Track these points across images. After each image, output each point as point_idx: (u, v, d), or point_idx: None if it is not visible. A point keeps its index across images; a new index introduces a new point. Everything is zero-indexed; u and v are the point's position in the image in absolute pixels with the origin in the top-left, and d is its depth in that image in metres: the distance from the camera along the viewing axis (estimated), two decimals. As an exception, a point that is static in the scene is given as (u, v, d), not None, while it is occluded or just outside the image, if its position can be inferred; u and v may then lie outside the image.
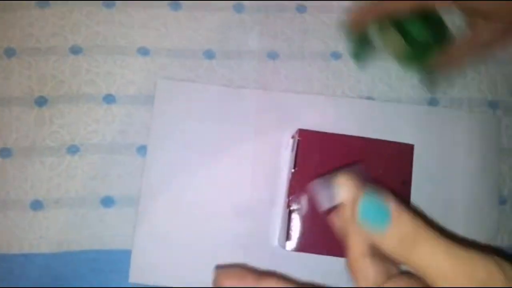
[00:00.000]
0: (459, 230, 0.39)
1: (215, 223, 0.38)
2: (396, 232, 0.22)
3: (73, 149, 0.39)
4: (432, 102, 0.41)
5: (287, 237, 0.35)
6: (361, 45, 0.40)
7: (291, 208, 0.36)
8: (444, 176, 0.40)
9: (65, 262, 0.37)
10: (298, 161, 0.36)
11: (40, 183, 0.38)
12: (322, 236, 0.35)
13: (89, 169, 0.38)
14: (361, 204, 0.23)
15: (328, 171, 0.36)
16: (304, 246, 0.35)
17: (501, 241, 0.39)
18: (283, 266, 0.38)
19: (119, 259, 0.37)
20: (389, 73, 0.42)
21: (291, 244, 0.35)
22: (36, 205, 0.37)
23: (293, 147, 0.38)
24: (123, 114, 0.39)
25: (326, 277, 0.37)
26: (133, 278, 0.37)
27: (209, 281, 0.37)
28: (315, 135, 0.37)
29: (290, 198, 0.36)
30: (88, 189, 0.38)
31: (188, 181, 0.38)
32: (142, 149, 0.39)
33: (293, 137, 0.39)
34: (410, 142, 0.37)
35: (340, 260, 0.34)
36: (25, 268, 0.37)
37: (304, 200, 0.36)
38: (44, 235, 0.37)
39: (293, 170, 0.36)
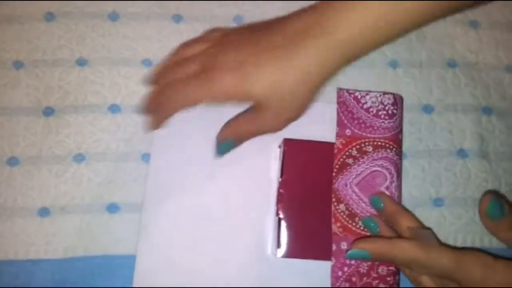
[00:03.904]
0: (449, 231, 0.40)
1: (217, 228, 0.39)
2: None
3: (79, 158, 0.40)
4: (427, 109, 0.42)
5: (278, 244, 0.36)
6: None
7: (280, 216, 0.37)
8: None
9: (71, 268, 0.38)
10: (285, 170, 0.37)
11: (47, 191, 0.39)
12: (310, 242, 0.36)
13: (94, 177, 0.39)
14: (489, 206, 0.32)
15: (315, 178, 0.37)
16: (293, 252, 0.36)
17: (489, 244, 0.39)
18: (277, 274, 0.38)
19: (124, 265, 0.38)
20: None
21: (281, 251, 0.36)
22: (43, 212, 0.38)
23: (280, 156, 0.39)
24: (128, 123, 0.40)
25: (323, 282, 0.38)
26: (137, 283, 0.37)
27: (211, 286, 0.37)
28: (300, 144, 0.38)
29: (279, 206, 0.37)
30: (93, 196, 0.39)
31: (190, 187, 0.39)
32: (146, 157, 0.40)
33: (279, 146, 0.39)
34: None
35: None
36: (32, 274, 0.37)
37: (292, 207, 0.37)
38: (51, 241, 0.38)
39: (280, 179, 0.37)
